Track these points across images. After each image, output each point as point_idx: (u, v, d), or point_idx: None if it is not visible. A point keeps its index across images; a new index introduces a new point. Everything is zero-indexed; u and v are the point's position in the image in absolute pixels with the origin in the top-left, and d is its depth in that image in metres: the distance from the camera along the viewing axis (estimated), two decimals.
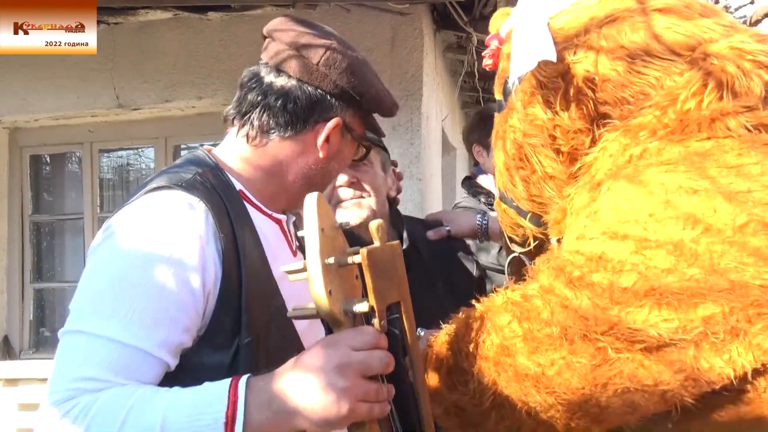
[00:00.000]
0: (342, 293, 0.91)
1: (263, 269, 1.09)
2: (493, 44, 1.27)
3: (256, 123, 1.15)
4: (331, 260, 0.88)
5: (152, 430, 0.85)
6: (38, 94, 3.77)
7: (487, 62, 1.27)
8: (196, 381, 0.92)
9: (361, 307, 0.91)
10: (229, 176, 1.13)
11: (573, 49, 1.10)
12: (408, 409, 1.09)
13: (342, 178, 1.66)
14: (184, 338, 0.97)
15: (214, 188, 1.06)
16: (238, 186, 1.14)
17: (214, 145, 1.26)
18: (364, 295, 0.95)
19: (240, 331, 1.01)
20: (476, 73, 4.77)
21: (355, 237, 1.68)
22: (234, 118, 1.19)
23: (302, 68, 1.14)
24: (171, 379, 0.95)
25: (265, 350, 1.02)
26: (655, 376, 0.89)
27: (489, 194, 2.81)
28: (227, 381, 0.90)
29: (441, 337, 1.20)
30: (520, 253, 1.39)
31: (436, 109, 4.12)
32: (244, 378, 0.89)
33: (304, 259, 0.88)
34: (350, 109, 1.19)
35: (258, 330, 1.03)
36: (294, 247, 1.26)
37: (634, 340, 0.89)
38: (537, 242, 1.32)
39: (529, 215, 1.27)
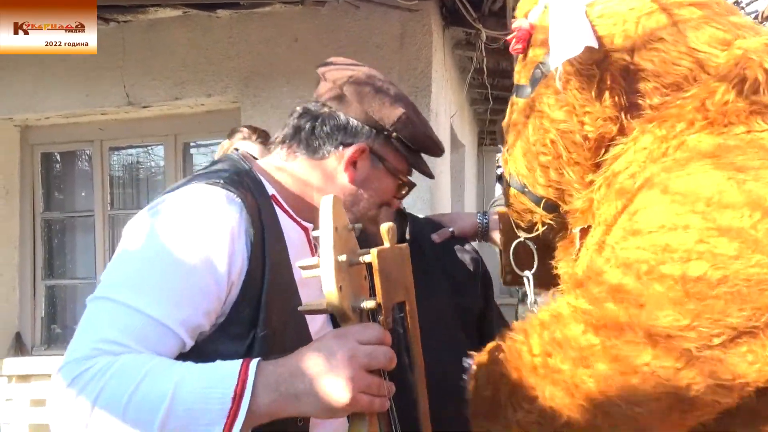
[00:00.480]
0: (351, 290, 0.94)
1: (286, 270, 1.14)
2: (523, 28, 1.26)
3: (288, 143, 1.26)
4: (343, 258, 0.92)
5: (163, 397, 0.89)
6: (48, 92, 3.79)
7: (516, 47, 1.27)
8: None
9: (369, 305, 0.96)
10: (263, 181, 1.21)
11: (611, 38, 1.12)
12: (407, 407, 1.11)
13: None
14: (203, 321, 1.03)
15: (249, 188, 1.13)
16: (271, 191, 1.21)
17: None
18: (372, 295, 1.00)
19: (257, 324, 1.06)
20: (485, 70, 4.76)
21: (365, 239, 1.69)
22: (277, 140, 1.31)
23: (330, 94, 1.25)
24: (186, 361, 0.99)
25: (281, 347, 1.04)
26: (732, 370, 0.87)
27: None
28: (239, 361, 0.94)
29: (496, 352, 1.16)
30: (526, 238, 1.42)
31: (445, 106, 4.11)
32: (255, 360, 0.94)
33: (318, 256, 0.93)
34: (380, 138, 1.25)
35: (275, 326, 1.08)
36: (316, 251, 1.30)
37: (713, 334, 0.87)
38: (545, 228, 1.35)
39: (543, 201, 1.28)
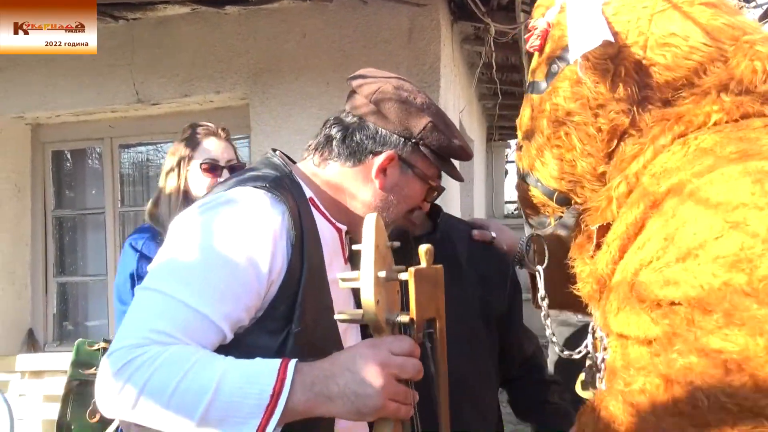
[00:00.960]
0: (386, 304, 1.03)
1: (320, 271, 1.21)
2: (541, 26, 1.32)
3: (320, 150, 1.33)
4: (383, 274, 0.99)
5: (208, 388, 0.95)
6: (58, 90, 3.82)
7: (533, 43, 1.33)
8: (247, 357, 1.03)
9: (403, 319, 1.04)
10: (302, 183, 1.28)
11: (625, 34, 1.18)
12: (429, 417, 1.16)
13: None
14: (243, 316, 1.10)
15: (291, 191, 1.20)
16: (309, 194, 1.28)
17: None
18: (404, 308, 1.08)
19: (292, 321, 1.13)
20: (494, 65, 4.75)
21: (403, 233, 1.72)
22: (311, 147, 1.37)
23: (359, 103, 1.31)
24: (225, 353, 1.05)
25: (311, 343, 1.13)
26: None
27: None
28: (279, 360, 1.00)
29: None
30: (539, 234, 1.44)
31: (454, 101, 4.10)
32: (294, 360, 1.00)
33: (358, 270, 1.00)
34: (408, 146, 1.31)
35: (307, 323, 1.14)
36: (346, 256, 1.37)
37: None
38: (557, 222, 1.38)
39: (555, 195, 1.32)
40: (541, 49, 1.34)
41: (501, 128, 8.58)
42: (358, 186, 1.31)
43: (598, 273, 1.14)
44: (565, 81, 1.25)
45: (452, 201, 4.14)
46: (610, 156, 1.20)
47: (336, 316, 1.07)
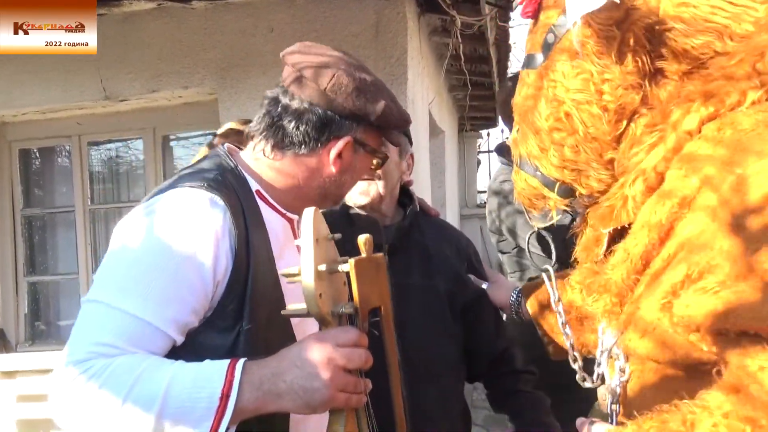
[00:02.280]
0: (331, 296, 1.05)
1: (268, 265, 1.19)
2: None
3: (271, 141, 1.27)
4: (323, 267, 1.01)
5: (156, 395, 0.96)
6: (24, 87, 3.77)
7: (526, 10, 1.18)
8: (199, 358, 1.04)
9: (347, 309, 1.05)
10: (247, 177, 1.26)
11: None
12: (383, 404, 1.19)
13: None
14: (191, 319, 1.09)
15: (233, 188, 1.18)
16: (255, 186, 1.25)
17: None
18: (350, 299, 1.09)
19: (242, 318, 1.12)
20: (462, 56, 4.79)
21: (351, 220, 1.72)
22: (254, 134, 1.31)
23: (312, 93, 1.25)
24: (176, 354, 1.06)
25: (264, 338, 1.13)
26: None
27: None
28: (226, 361, 1.01)
29: None
30: (541, 229, 1.35)
31: (422, 93, 4.14)
32: (241, 360, 1.01)
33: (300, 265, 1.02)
34: (361, 126, 1.28)
35: (259, 319, 1.13)
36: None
37: None
38: (560, 216, 1.27)
39: (557, 185, 1.17)
40: (534, 15, 1.18)
41: (472, 119, 8.64)
42: (313, 172, 1.28)
43: (616, 285, 1.01)
44: (563, 53, 1.08)
45: (424, 191, 4.18)
46: (618, 139, 1.05)
47: (282, 312, 1.09)
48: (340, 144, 1.26)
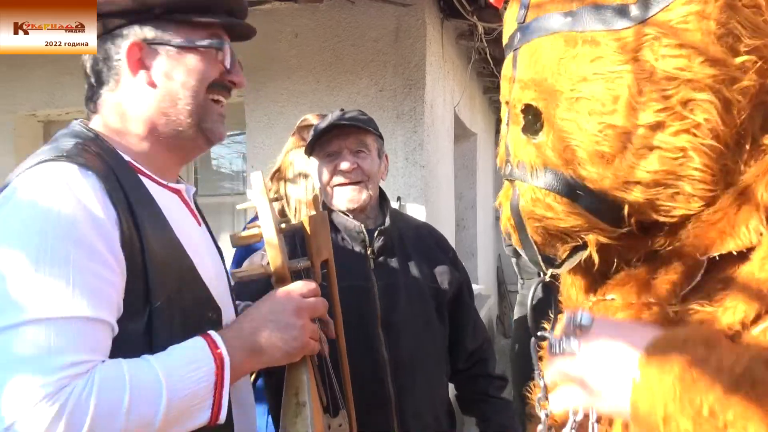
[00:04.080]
0: (286, 254, 1.13)
1: (165, 233, 1.07)
2: None
3: (91, 97, 1.14)
4: (282, 225, 1.10)
5: (158, 383, 0.92)
6: (66, 89, 4.00)
7: None
8: (118, 351, 0.95)
9: (304, 264, 1.15)
10: (115, 148, 1.10)
11: None
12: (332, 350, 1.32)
13: (344, 164, 1.75)
14: (120, 299, 0.97)
15: (99, 155, 1.03)
16: (126, 157, 1.10)
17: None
18: (297, 256, 1.19)
19: (150, 297, 1.00)
20: (489, 59, 4.82)
21: (334, 225, 1.78)
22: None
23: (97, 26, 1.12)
24: None
25: (180, 311, 1.04)
26: None
27: None
28: (200, 340, 1.00)
29: None
30: (555, 273, 0.91)
31: (444, 97, 4.20)
32: (213, 333, 1.03)
33: (258, 226, 1.09)
34: (148, 25, 1.10)
35: (168, 292, 1.03)
36: (198, 217, 1.23)
37: None
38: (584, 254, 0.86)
39: (611, 210, 0.80)
40: None
41: None
42: (133, 102, 1.11)
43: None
44: (690, 4, 0.74)
45: (441, 195, 4.24)
46: (737, 139, 0.76)
47: (237, 276, 1.14)
48: (124, 55, 1.09)
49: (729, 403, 0.60)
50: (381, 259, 1.76)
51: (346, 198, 1.76)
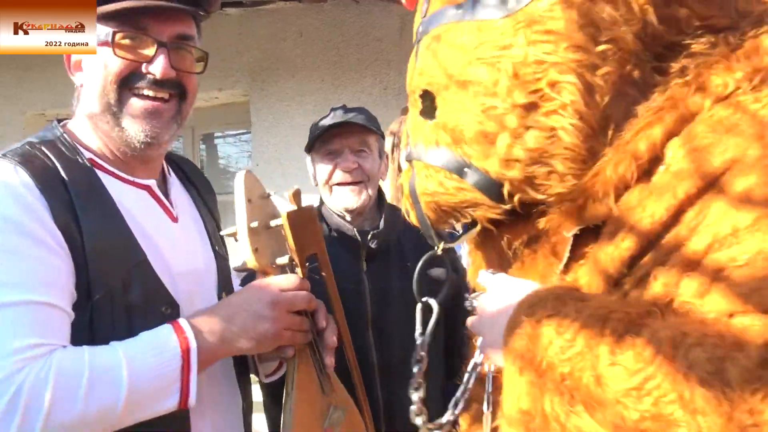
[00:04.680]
0: (270, 250, 1.15)
1: (113, 227, 1.06)
2: None
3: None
4: (255, 224, 1.11)
5: (118, 366, 0.94)
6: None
7: None
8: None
9: (283, 260, 1.15)
10: (78, 146, 1.11)
11: None
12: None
13: (345, 164, 1.75)
14: (71, 285, 0.99)
15: (45, 154, 1.04)
16: (88, 155, 1.10)
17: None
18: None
19: (91, 290, 1.01)
20: None
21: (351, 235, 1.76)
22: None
23: None
24: None
25: (125, 303, 1.04)
26: None
27: None
28: (167, 326, 1.03)
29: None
30: (444, 249, 1.02)
31: None
32: (182, 319, 1.05)
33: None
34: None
35: (112, 284, 1.03)
36: (173, 209, 1.22)
37: None
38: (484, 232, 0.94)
39: (494, 186, 0.85)
40: None
41: None
42: (80, 101, 1.15)
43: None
44: None
45: None
46: (602, 124, 0.80)
47: (234, 269, 1.17)
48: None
49: (572, 351, 0.68)
50: (375, 261, 1.74)
51: (344, 199, 1.73)
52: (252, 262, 1.12)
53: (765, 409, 0.55)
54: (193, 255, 1.20)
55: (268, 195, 1.17)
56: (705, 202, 0.68)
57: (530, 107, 0.79)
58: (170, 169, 1.27)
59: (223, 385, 1.20)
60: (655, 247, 0.72)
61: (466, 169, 0.86)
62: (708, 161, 0.69)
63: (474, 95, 0.83)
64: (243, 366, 1.27)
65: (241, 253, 1.12)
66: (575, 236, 0.82)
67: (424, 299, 1.04)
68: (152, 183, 1.18)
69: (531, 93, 0.79)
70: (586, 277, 0.79)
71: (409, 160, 0.96)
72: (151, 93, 1.11)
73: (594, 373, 0.65)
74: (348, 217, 1.75)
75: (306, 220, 1.21)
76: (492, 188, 0.85)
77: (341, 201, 1.73)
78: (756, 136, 0.68)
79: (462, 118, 0.85)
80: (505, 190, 0.84)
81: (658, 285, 0.69)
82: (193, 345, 1.01)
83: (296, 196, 1.19)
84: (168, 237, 1.14)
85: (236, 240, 1.13)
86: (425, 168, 0.92)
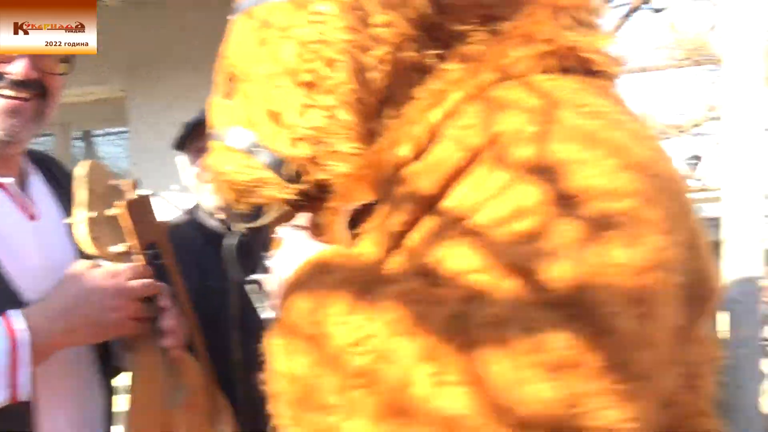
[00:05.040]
0: (111, 239, 1.13)
1: None
2: None
3: None
4: (94, 214, 1.10)
5: None
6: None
7: None
8: None
9: (118, 248, 1.14)
10: None
11: None
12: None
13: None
14: None
15: None
16: None
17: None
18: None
19: None
20: None
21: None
22: None
23: None
24: None
25: None
26: None
27: None
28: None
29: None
30: (249, 228, 1.07)
31: None
32: (11, 311, 1.01)
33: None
34: None
35: None
36: (33, 207, 1.21)
37: None
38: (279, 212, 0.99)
39: (285, 166, 0.88)
40: None
41: None
42: None
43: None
44: None
45: None
46: (381, 105, 0.85)
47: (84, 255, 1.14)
48: None
49: (330, 308, 0.73)
50: (242, 258, 1.72)
51: (215, 199, 1.67)
52: (91, 251, 1.10)
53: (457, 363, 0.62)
54: (52, 251, 1.19)
55: (116, 184, 1.16)
56: (469, 173, 0.74)
57: (310, 85, 0.84)
58: (32, 168, 1.25)
59: (81, 378, 1.18)
60: (427, 215, 0.77)
61: (258, 149, 0.89)
62: (475, 136, 0.75)
63: (265, 76, 0.87)
64: (106, 356, 1.25)
65: (81, 243, 1.10)
66: (362, 210, 0.85)
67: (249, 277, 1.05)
68: (9, 181, 1.16)
69: (309, 71, 0.84)
70: (370, 247, 0.82)
71: (212, 141, 0.99)
72: (12, 93, 1.10)
73: (324, 331, 0.72)
74: (222, 216, 1.71)
75: (146, 208, 1.22)
76: (282, 168, 0.88)
77: (212, 201, 1.69)
78: (527, 110, 0.74)
79: (254, 98, 0.89)
80: (294, 170, 0.87)
81: (416, 249, 0.75)
82: (23, 336, 0.99)
83: (134, 185, 1.19)
84: (23, 235, 1.13)
85: (73, 230, 1.11)
86: (221, 148, 0.94)
